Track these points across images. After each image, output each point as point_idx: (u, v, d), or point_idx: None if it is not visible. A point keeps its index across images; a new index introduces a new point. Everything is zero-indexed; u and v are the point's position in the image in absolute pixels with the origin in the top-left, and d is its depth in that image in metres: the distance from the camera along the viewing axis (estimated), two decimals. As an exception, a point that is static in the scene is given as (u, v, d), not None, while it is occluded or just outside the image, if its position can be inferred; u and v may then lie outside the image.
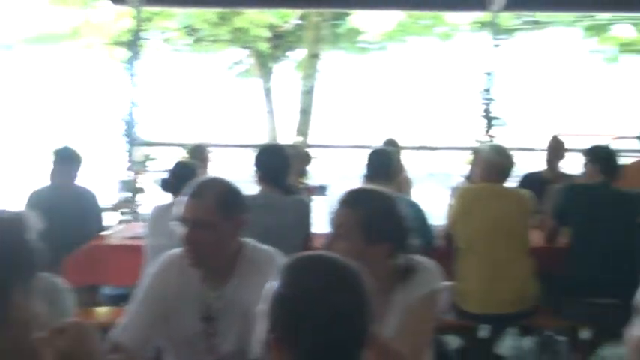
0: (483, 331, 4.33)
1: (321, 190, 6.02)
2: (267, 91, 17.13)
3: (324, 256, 1.50)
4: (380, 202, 2.23)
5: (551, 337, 4.85)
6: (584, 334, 4.32)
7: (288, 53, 17.49)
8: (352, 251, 2.07)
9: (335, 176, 7.60)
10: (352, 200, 2.20)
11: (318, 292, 1.37)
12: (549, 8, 9.55)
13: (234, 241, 2.41)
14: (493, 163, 4.14)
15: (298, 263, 1.45)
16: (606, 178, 4.22)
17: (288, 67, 17.92)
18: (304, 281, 1.40)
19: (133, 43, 6.98)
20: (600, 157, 4.33)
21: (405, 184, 5.56)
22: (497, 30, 7.54)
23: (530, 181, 5.46)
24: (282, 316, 1.37)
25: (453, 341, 4.70)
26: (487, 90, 7.04)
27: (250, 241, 2.48)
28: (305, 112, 13.29)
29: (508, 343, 4.85)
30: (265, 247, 2.47)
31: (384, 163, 4.20)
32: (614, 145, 5.93)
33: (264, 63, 17.25)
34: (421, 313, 2.22)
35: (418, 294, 2.21)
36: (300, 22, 14.83)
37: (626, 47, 20.53)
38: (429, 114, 22.51)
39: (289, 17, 14.89)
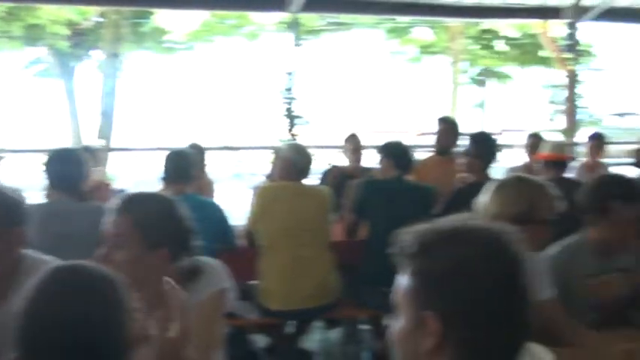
0: (290, 328, 4.37)
1: (120, 194, 5.77)
2: (70, 92, 16.32)
3: None
4: (156, 206, 2.14)
5: (355, 328, 4.97)
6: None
7: (90, 52, 16.78)
8: (132, 260, 1.98)
9: (137, 179, 7.38)
10: (127, 206, 2.09)
11: None
12: (347, 11, 9.87)
13: (12, 253, 2.23)
14: (291, 162, 4.17)
15: None
16: (400, 172, 4.41)
17: (90, 67, 17.22)
18: None
19: None
20: (394, 153, 4.50)
21: (206, 186, 5.49)
22: (299, 30, 7.66)
23: (332, 176, 5.60)
24: None
25: (261, 340, 4.73)
26: (289, 89, 7.14)
27: (31, 252, 2.30)
28: (106, 115, 12.78)
29: (316, 337, 4.94)
30: (47, 257, 2.30)
31: (181, 165, 4.09)
32: (418, 142, 6.22)
33: (64, 62, 16.42)
34: (209, 312, 2.18)
35: (205, 293, 2.16)
36: (101, 19, 14.23)
37: (426, 49, 21.80)
38: (235, 114, 22.56)
39: (89, 14, 14.26)
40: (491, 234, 1.29)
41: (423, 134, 8.58)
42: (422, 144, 6.02)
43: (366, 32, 21.54)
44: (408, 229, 1.32)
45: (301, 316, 4.21)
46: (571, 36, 9.22)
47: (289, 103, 6.98)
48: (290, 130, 6.98)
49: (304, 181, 4.23)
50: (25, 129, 19.59)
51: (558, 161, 4.84)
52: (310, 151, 4.36)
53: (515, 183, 2.64)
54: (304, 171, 4.20)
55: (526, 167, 6.04)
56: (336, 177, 5.46)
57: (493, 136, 5.01)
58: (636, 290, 3.03)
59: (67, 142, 13.55)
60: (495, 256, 1.26)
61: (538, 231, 2.54)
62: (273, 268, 4.02)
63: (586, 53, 17.21)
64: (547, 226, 2.60)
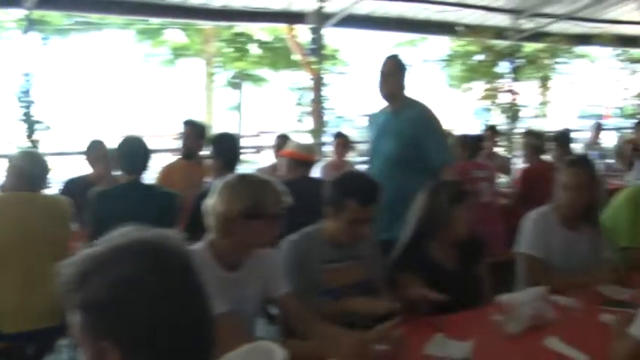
0: (30, 350, 4.04)
1: None
2: None
3: None
4: None
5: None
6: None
7: None
8: None
9: None
10: None
11: None
12: (88, 9, 9.44)
13: None
14: (24, 171, 3.88)
15: None
16: (135, 176, 4.28)
17: None
18: None
19: None
20: (125, 154, 4.33)
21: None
22: (44, 29, 7.23)
23: (75, 185, 5.33)
24: None
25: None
26: (26, 92, 6.70)
27: None
28: None
29: (62, 356, 4.65)
30: None
31: None
32: (175, 145, 6.10)
33: None
34: None
35: None
36: None
37: (179, 51, 21.63)
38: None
39: None
40: (150, 246, 1.24)
41: (178, 138, 8.46)
42: (178, 147, 5.90)
43: (118, 33, 20.96)
44: (68, 260, 1.24)
45: (40, 336, 3.80)
46: (315, 40, 9.64)
47: (27, 107, 6.55)
48: (29, 136, 6.56)
49: (39, 191, 3.97)
50: None
51: (303, 160, 4.92)
52: (50, 158, 4.11)
53: (239, 181, 2.69)
54: (38, 180, 3.93)
55: (273, 167, 6.21)
56: (77, 185, 5.19)
57: (234, 136, 5.05)
58: (369, 277, 3.24)
59: None
60: (156, 268, 1.22)
61: (267, 226, 2.65)
62: (3, 285, 3.68)
63: (331, 57, 18.10)
64: (276, 221, 2.68)
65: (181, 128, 5.79)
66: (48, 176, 4.06)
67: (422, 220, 3.40)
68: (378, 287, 3.25)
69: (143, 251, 1.23)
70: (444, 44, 21.28)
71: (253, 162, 9.65)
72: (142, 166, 4.28)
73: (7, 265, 3.71)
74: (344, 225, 3.09)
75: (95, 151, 5.50)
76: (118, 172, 4.69)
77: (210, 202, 2.67)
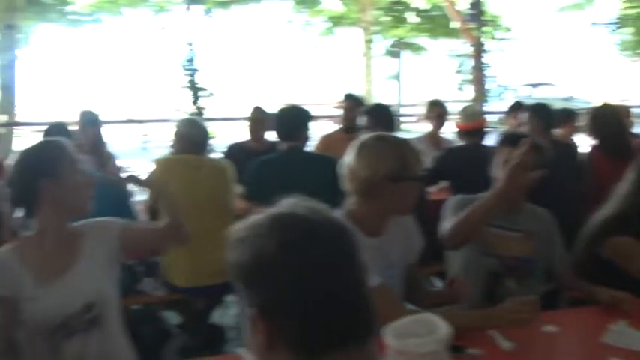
0: (200, 303, 4.28)
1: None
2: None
3: None
4: None
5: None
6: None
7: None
8: None
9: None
10: None
11: None
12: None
13: None
14: (186, 136, 4.10)
15: None
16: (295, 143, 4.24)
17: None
18: None
19: None
20: (285, 122, 4.32)
21: (108, 159, 5.35)
22: (208, 2, 7.51)
23: (237, 150, 5.51)
24: None
25: (172, 317, 4.66)
26: (190, 60, 6.99)
27: None
28: (6, 89, 12.29)
29: (229, 311, 4.88)
30: None
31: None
32: (334, 113, 6.16)
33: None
34: None
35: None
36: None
37: (337, 20, 21.83)
38: (141, 87, 22.13)
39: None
40: (303, 218, 1.22)
41: (339, 106, 8.52)
42: (338, 115, 5.95)
43: (276, 4, 21.41)
44: (235, 226, 1.25)
45: (209, 292, 4.11)
46: (474, 5, 9.37)
47: (191, 75, 6.85)
48: (194, 102, 6.85)
49: (202, 155, 4.15)
50: None
51: (469, 130, 4.79)
52: (213, 124, 4.27)
53: (379, 142, 2.51)
54: (200, 144, 4.12)
55: (432, 136, 6.10)
56: (239, 152, 5.35)
57: (388, 107, 5.00)
58: (535, 256, 3.08)
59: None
60: (305, 240, 1.19)
61: (411, 188, 2.50)
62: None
63: (492, 23, 17.54)
64: (418, 183, 2.55)
65: (341, 99, 5.82)
66: (209, 141, 4.22)
67: (631, 196, 3.11)
68: (555, 272, 3.10)
69: (293, 224, 1.21)
70: (614, 6, 19.92)
71: (412, 131, 9.55)
72: (302, 134, 4.28)
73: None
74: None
75: (255, 118, 5.63)
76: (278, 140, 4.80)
77: (349, 167, 2.52)
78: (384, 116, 4.67)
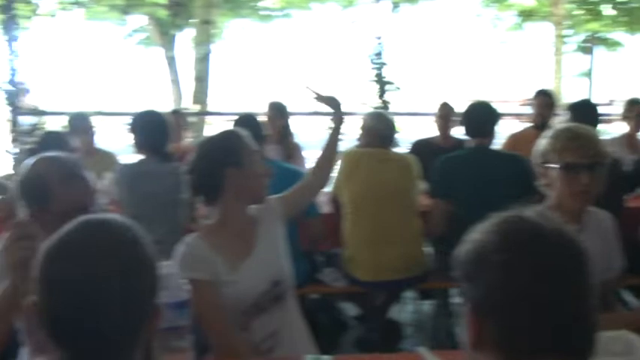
0: (379, 297, 4.28)
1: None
2: (171, 60, 16.69)
3: None
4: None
5: (446, 300, 4.79)
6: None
7: (190, 21, 17.09)
8: None
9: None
10: None
11: None
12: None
13: None
14: (373, 129, 4.09)
15: None
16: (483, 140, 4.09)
17: (189, 36, 17.58)
18: None
19: (7, 7, 6.56)
20: (472, 119, 4.17)
21: (294, 150, 5.49)
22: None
23: (422, 146, 5.44)
24: None
25: (349, 308, 4.71)
26: (378, 54, 7.02)
27: None
28: (200, 80, 13.03)
29: (407, 308, 4.86)
30: None
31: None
32: (520, 111, 5.98)
33: (164, 31, 16.78)
34: None
35: None
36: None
37: (527, 14, 21.09)
38: (327, 81, 22.58)
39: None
40: (532, 224, 1.18)
41: (526, 104, 8.23)
42: (525, 112, 5.76)
43: None
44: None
45: (389, 287, 4.09)
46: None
47: (379, 69, 6.89)
48: (380, 96, 6.89)
49: (389, 149, 4.12)
50: (125, 96, 20.26)
51: None
52: (399, 118, 4.23)
53: (573, 132, 2.38)
54: (387, 138, 4.09)
55: (628, 137, 5.71)
56: (425, 147, 5.29)
57: (595, 105, 4.75)
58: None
59: (163, 107, 13.86)
60: (532, 245, 1.15)
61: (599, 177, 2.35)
62: (358, 235, 3.94)
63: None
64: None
65: (530, 96, 5.64)
66: (395, 135, 4.19)
67: None
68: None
69: (522, 226, 1.18)
70: None
71: (605, 132, 9.00)
72: (491, 131, 4.13)
73: (362, 217, 3.94)
74: None
75: (442, 117, 5.54)
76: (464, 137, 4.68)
77: (544, 147, 2.41)
78: (589, 114, 4.42)
